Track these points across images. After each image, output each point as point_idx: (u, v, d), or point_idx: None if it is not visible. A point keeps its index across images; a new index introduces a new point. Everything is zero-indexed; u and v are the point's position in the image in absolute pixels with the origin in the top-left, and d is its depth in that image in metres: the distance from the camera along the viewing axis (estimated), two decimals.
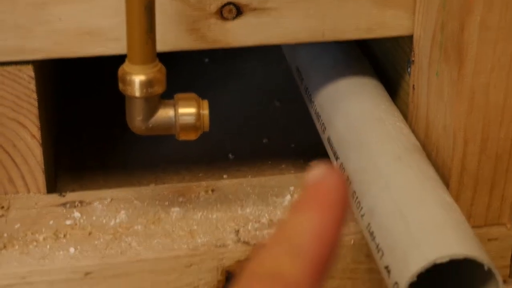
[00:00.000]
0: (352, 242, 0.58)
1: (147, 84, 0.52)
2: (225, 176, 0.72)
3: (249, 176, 0.72)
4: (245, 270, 0.26)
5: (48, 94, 0.68)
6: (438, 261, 0.45)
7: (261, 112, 0.82)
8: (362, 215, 0.53)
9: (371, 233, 0.52)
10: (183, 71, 0.88)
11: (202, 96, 0.57)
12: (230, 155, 0.76)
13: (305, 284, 0.25)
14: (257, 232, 0.59)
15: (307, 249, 0.25)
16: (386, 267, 0.48)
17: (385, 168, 0.54)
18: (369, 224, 0.52)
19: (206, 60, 0.90)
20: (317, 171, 0.27)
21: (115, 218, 0.60)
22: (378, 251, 0.50)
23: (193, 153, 0.75)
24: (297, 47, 0.74)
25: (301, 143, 0.77)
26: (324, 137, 0.64)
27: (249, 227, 0.60)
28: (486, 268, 0.46)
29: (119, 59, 0.56)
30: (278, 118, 0.81)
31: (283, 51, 0.79)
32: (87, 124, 0.79)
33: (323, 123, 0.64)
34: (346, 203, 0.26)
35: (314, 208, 0.26)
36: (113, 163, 0.74)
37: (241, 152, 0.76)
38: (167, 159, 0.74)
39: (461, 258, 0.46)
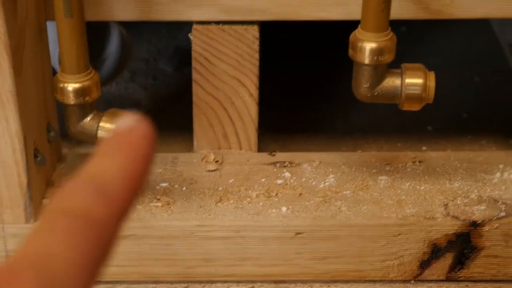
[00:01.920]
0: None
1: (377, 52, 0.53)
2: (424, 148, 0.72)
3: (449, 150, 0.72)
4: (50, 206, 0.25)
5: (260, 55, 0.69)
6: None
7: (460, 86, 0.81)
8: None
9: None
10: None
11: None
12: (429, 127, 0.75)
13: (111, 224, 0.25)
14: (467, 208, 0.59)
15: (114, 191, 0.25)
16: None
17: None
18: None
19: (403, 28, 0.90)
20: (127, 119, 0.27)
21: (324, 181, 0.61)
22: None
23: (391, 123, 0.75)
24: (511, 22, 0.72)
25: (503, 120, 0.75)
26: None
27: (458, 202, 0.59)
28: None
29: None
30: (478, 94, 0.80)
31: (493, 24, 0.77)
32: (288, 88, 0.80)
33: None
34: (151, 151, 0.26)
35: (121, 153, 0.26)
36: (313, 126, 0.75)
37: (440, 125, 0.75)
38: (366, 127, 0.75)
39: None
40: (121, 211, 0.25)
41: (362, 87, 0.54)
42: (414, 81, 0.54)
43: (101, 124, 0.55)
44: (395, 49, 0.54)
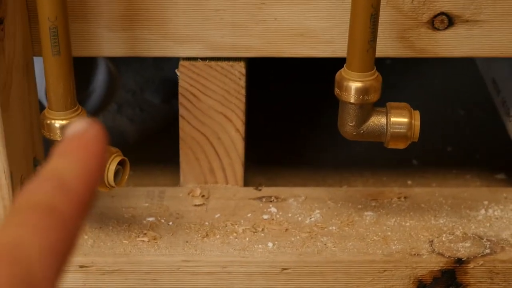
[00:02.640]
0: None
1: (363, 92, 0.53)
2: (409, 182, 0.73)
3: (434, 184, 0.72)
4: (16, 203, 0.27)
5: (248, 90, 0.70)
6: None
7: (445, 120, 0.81)
8: None
9: None
10: None
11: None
12: (414, 161, 0.76)
13: (74, 216, 0.27)
14: (452, 244, 0.59)
15: (74, 186, 0.27)
16: None
17: None
18: None
19: (388, 61, 0.90)
20: (79, 123, 0.29)
21: (310, 217, 0.62)
22: None
23: (377, 157, 0.75)
24: (495, 58, 0.73)
25: (487, 154, 0.76)
26: None
27: (443, 238, 0.60)
28: None
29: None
30: (463, 127, 0.80)
31: (476, 60, 0.78)
32: (276, 120, 0.81)
33: None
34: (103, 150, 0.29)
35: (76, 153, 0.28)
36: (299, 159, 0.75)
37: (425, 159, 0.76)
38: (352, 161, 0.75)
39: None
40: (82, 205, 0.28)
41: (348, 125, 0.55)
42: (400, 120, 0.55)
43: None
44: (381, 88, 0.54)
